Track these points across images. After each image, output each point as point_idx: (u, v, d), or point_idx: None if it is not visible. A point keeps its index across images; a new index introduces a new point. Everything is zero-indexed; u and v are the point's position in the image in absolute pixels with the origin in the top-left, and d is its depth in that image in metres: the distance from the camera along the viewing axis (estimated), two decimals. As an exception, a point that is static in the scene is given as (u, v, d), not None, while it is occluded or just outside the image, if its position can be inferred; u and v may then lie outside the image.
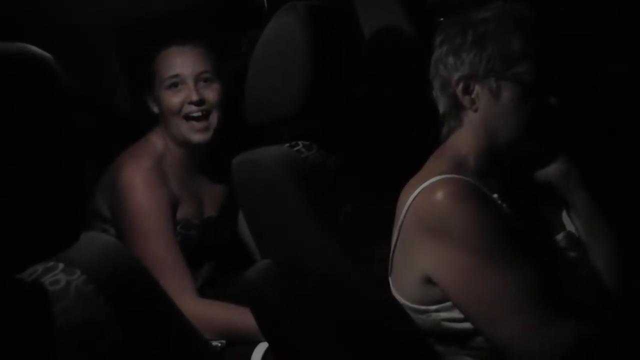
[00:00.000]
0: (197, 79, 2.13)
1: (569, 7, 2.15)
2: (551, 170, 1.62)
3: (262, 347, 1.86)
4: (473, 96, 1.52)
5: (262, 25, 1.72)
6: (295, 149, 1.63)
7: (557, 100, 1.53)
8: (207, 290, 2.18)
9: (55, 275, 0.99)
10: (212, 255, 2.27)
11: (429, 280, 1.46)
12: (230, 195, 2.27)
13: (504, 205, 1.52)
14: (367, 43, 2.03)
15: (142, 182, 2.07)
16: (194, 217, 2.20)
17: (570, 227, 1.65)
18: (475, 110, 1.53)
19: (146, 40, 2.25)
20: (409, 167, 1.58)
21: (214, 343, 1.95)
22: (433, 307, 1.48)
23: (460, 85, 1.53)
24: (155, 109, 2.18)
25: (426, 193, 1.47)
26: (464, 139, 1.56)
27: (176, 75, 2.13)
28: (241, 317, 1.87)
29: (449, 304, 1.46)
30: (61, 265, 1.00)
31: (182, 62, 2.13)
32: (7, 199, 0.86)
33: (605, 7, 2.19)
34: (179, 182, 2.17)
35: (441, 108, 1.59)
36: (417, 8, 2.17)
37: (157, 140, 2.18)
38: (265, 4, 2.58)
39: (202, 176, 2.26)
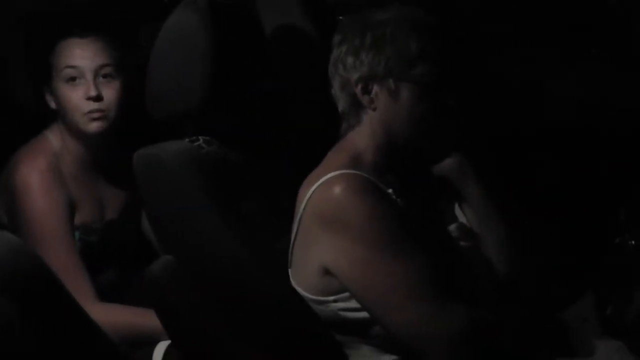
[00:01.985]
0: (97, 73, 2.02)
1: (479, 12, 2.25)
2: (445, 165, 1.69)
3: (162, 346, 1.86)
4: (372, 96, 1.56)
5: (162, 18, 1.72)
6: (196, 144, 1.64)
7: (454, 101, 1.59)
8: (112, 294, 2.10)
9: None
10: (115, 258, 2.20)
11: (327, 272, 1.51)
12: (133, 195, 2.18)
13: (399, 199, 1.57)
14: (268, 40, 2.05)
15: (37, 184, 1.98)
16: (94, 221, 2.13)
17: (462, 219, 1.72)
18: (374, 109, 1.57)
19: (44, 29, 2.14)
20: (308, 162, 1.62)
21: None
22: (331, 298, 1.52)
23: (360, 85, 1.56)
24: (53, 104, 2.08)
25: (324, 187, 1.51)
26: (362, 135, 1.59)
27: (74, 67, 2.01)
28: (144, 318, 1.85)
29: (346, 294, 1.51)
30: None
31: (81, 54, 2.02)
32: None
33: (513, 15, 2.29)
34: (78, 183, 2.09)
35: (340, 106, 1.62)
36: (316, 7, 2.21)
37: (54, 138, 2.09)
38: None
39: (103, 177, 2.17)
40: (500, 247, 1.68)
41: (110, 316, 1.88)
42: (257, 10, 2.09)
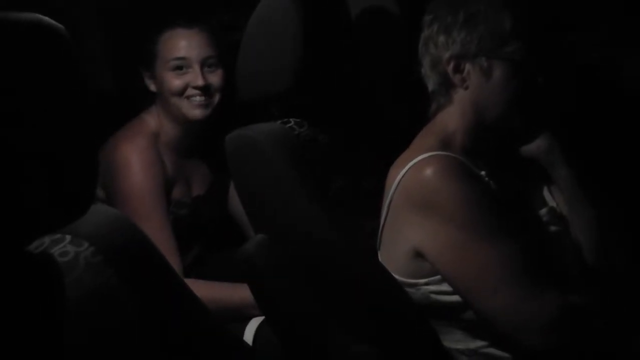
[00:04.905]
0: (203, 63, 2.12)
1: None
2: (534, 147, 1.66)
3: (255, 323, 1.89)
4: (464, 75, 1.55)
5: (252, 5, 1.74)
6: (288, 125, 1.66)
7: (545, 79, 1.57)
8: (197, 269, 2.18)
9: (63, 247, 1.00)
10: (202, 234, 2.28)
11: (418, 255, 1.50)
12: (218, 174, 2.29)
13: (491, 181, 1.56)
14: (355, 21, 2.05)
15: (137, 161, 2.07)
16: (184, 197, 2.21)
17: (552, 203, 1.69)
18: (466, 88, 1.56)
19: (145, 19, 2.23)
20: (398, 144, 1.61)
21: None
22: (422, 281, 1.52)
23: (452, 64, 1.55)
24: (153, 88, 2.17)
25: (415, 170, 1.50)
26: (452, 116, 1.59)
27: (182, 58, 2.11)
28: (230, 294, 1.89)
29: (438, 277, 1.50)
30: (68, 237, 1.01)
31: (188, 45, 2.12)
32: (18, 169, 0.87)
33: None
34: (171, 162, 2.18)
35: (430, 86, 1.61)
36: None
37: (151, 120, 2.18)
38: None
39: (192, 157, 2.26)
40: (590, 231, 1.65)
41: (198, 291, 1.92)
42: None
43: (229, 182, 2.30)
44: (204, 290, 1.96)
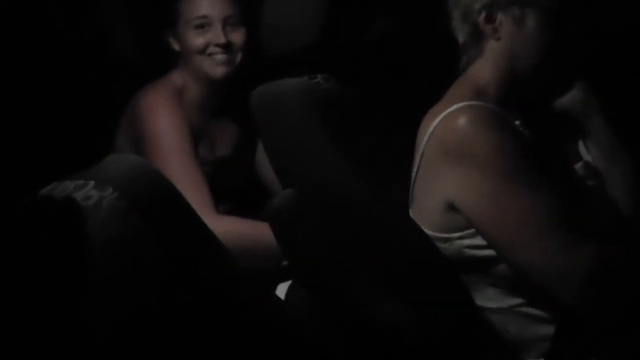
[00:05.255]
0: (225, 22, 2.14)
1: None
2: (569, 98, 1.62)
3: (284, 286, 1.87)
4: (496, 24, 1.52)
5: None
6: (314, 80, 1.63)
7: (579, 29, 1.53)
8: None
9: (87, 192, 0.99)
10: (226, 196, 2.28)
11: (451, 207, 1.47)
12: (244, 136, 2.30)
13: (526, 131, 1.52)
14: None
15: (162, 104, 2.12)
16: (209, 155, 2.23)
17: (587, 157, 1.66)
18: (498, 39, 1.53)
19: None
20: (430, 98, 1.58)
21: None
22: (456, 235, 1.49)
23: (483, 14, 1.52)
24: (177, 47, 2.20)
25: (448, 120, 1.47)
26: (484, 68, 1.55)
27: (204, 17, 2.14)
28: (263, 231, 1.86)
29: (472, 231, 1.47)
30: (92, 183, 1.00)
31: (210, 4, 2.15)
32: (39, 113, 0.86)
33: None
34: (196, 121, 2.20)
35: (461, 38, 1.58)
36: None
37: (177, 78, 2.21)
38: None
39: (217, 117, 2.28)
40: (627, 184, 1.61)
41: (230, 226, 1.97)
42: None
43: (256, 144, 2.29)
44: (241, 225, 1.99)
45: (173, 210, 1.07)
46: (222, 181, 2.25)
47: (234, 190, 2.32)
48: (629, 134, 1.66)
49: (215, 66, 2.15)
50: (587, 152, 1.67)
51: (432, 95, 1.59)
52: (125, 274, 0.98)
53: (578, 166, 1.64)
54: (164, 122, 2.10)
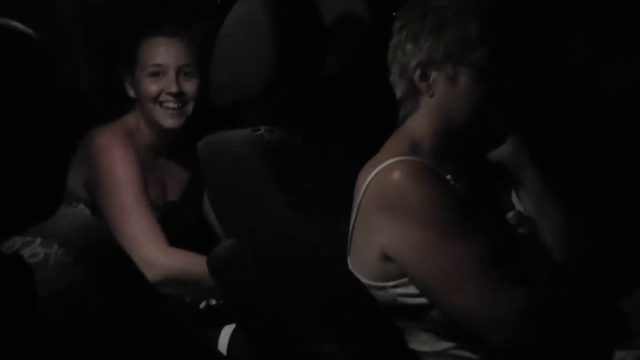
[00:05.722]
0: (179, 71, 2.19)
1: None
2: (502, 150, 1.69)
3: (228, 330, 1.91)
4: (430, 82, 1.57)
5: (215, 16, 1.77)
6: (258, 132, 1.68)
7: (511, 85, 1.59)
8: None
9: (34, 249, 1.03)
10: (175, 241, 2.30)
11: (386, 257, 1.53)
12: (193, 180, 2.32)
13: (457, 185, 1.59)
14: (327, 27, 2.08)
15: (116, 143, 2.14)
16: (157, 200, 2.25)
17: (519, 207, 1.72)
18: (432, 95, 1.58)
19: (130, 25, 2.29)
20: (368, 147, 1.64)
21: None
22: (390, 283, 1.54)
23: (418, 71, 1.57)
24: (131, 92, 2.23)
25: (383, 174, 1.53)
26: (420, 122, 1.61)
27: (159, 65, 2.19)
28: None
29: (405, 279, 1.53)
30: (39, 240, 1.04)
31: (166, 52, 2.19)
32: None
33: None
34: (148, 164, 2.22)
35: (398, 93, 1.63)
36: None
37: (130, 121, 2.24)
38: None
39: (168, 161, 2.31)
40: (557, 235, 1.68)
41: (182, 258, 2.02)
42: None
43: (203, 189, 2.32)
44: (188, 259, 2.02)
45: (116, 263, 1.11)
46: (172, 226, 2.26)
47: (183, 235, 2.33)
48: (560, 183, 1.73)
49: (167, 117, 2.18)
50: (519, 202, 1.74)
51: (375, 143, 1.65)
52: (71, 325, 1.01)
53: (510, 215, 1.70)
54: (117, 160, 2.12)
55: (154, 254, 2.00)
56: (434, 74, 1.57)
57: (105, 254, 1.11)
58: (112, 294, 1.06)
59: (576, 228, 1.70)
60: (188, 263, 2.03)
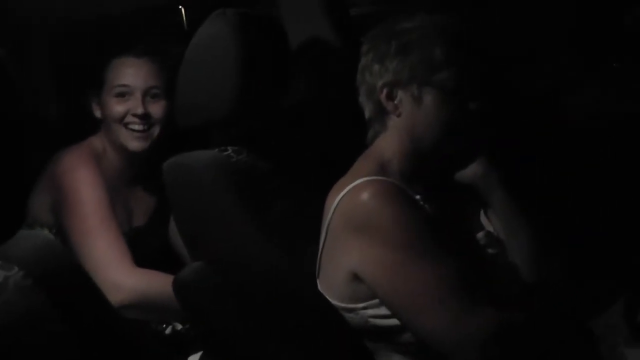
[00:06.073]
0: (146, 93, 2.16)
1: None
2: (470, 171, 1.69)
3: (194, 358, 1.88)
4: (396, 102, 1.59)
5: (183, 42, 1.76)
6: (225, 153, 1.66)
7: (477, 106, 1.60)
8: None
9: (-7, 272, 1.00)
10: (140, 265, 2.26)
11: (355, 278, 1.51)
12: (159, 204, 2.29)
13: (426, 205, 1.58)
14: (294, 51, 2.08)
15: (82, 165, 2.10)
16: (123, 225, 2.20)
17: (488, 227, 1.72)
18: (399, 115, 1.59)
19: (103, 46, 2.26)
20: (337, 169, 1.63)
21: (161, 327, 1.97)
22: (361, 305, 1.53)
23: (385, 92, 1.59)
24: (98, 114, 2.20)
25: (352, 194, 1.52)
26: (388, 142, 1.62)
27: (126, 85, 2.15)
28: None
29: (376, 301, 1.51)
30: None
31: (134, 73, 2.16)
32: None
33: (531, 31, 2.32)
34: (113, 189, 2.18)
35: (367, 113, 1.65)
36: (341, 19, 2.24)
37: (96, 143, 2.20)
38: (185, 22, 2.63)
39: (134, 185, 2.28)
40: (527, 254, 1.67)
41: (148, 279, 1.98)
42: (282, 22, 2.13)
43: (169, 214, 2.29)
44: (154, 279, 1.99)
45: (78, 287, 1.08)
46: (138, 252, 2.20)
47: (149, 261, 2.29)
48: (528, 204, 1.73)
49: (132, 139, 2.15)
50: (488, 222, 1.74)
51: (343, 165, 1.64)
52: (31, 351, 0.98)
53: (480, 235, 1.70)
54: (82, 181, 2.08)
55: (120, 275, 1.96)
56: (400, 94, 1.58)
57: (66, 278, 1.08)
58: (72, 319, 1.03)
59: (544, 248, 1.69)
60: (155, 283, 1.99)
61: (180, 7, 2.77)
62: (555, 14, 2.40)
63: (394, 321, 1.51)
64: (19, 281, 0.99)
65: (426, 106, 1.57)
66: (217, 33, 1.65)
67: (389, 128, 1.61)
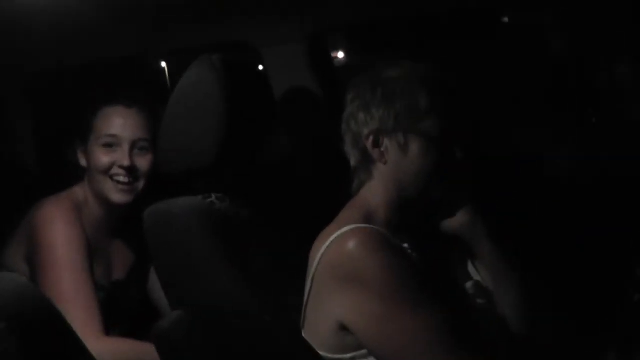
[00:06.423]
0: (134, 145, 2.09)
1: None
2: (457, 221, 1.67)
3: None
4: (382, 149, 1.57)
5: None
6: (209, 200, 1.63)
7: (462, 154, 1.59)
8: None
9: (-37, 314, 0.95)
10: (120, 319, 2.20)
11: (343, 328, 1.48)
12: (139, 257, 2.24)
13: (414, 254, 1.56)
14: (278, 99, 2.07)
15: (61, 217, 2.03)
16: (102, 279, 2.15)
17: (476, 277, 1.69)
18: (385, 163, 1.58)
19: (91, 94, 2.22)
20: (319, 221, 1.61)
21: None
22: (348, 356, 1.49)
23: (371, 139, 1.58)
24: (83, 162, 2.14)
25: (338, 242, 1.49)
26: (374, 191, 1.60)
27: (114, 136, 2.08)
28: (146, 350, 1.79)
29: (364, 351, 1.48)
30: None
31: (122, 124, 2.09)
32: None
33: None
34: (94, 240, 2.12)
35: (352, 162, 1.63)
36: (324, 69, 2.24)
37: (78, 193, 2.14)
38: (169, 83, 2.62)
39: (114, 237, 2.22)
40: (515, 306, 1.64)
41: (116, 349, 1.89)
42: (266, 71, 2.12)
43: (149, 267, 2.24)
44: (125, 348, 1.91)
45: (53, 333, 1.04)
46: (117, 305, 2.17)
47: (127, 314, 2.23)
48: (516, 255, 1.71)
49: (116, 192, 2.08)
50: (476, 271, 1.71)
51: (328, 216, 1.62)
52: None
53: (468, 285, 1.67)
54: (60, 235, 2.01)
55: (87, 343, 1.88)
56: (386, 142, 1.57)
57: (41, 323, 1.03)
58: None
59: (533, 302, 1.66)
60: (122, 351, 1.93)
61: (162, 63, 2.78)
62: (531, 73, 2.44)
63: (383, 372, 1.46)
64: (-10, 325, 0.95)
65: (412, 154, 1.56)
66: (202, 78, 1.64)
67: (375, 176, 1.60)
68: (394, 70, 1.61)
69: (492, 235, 1.67)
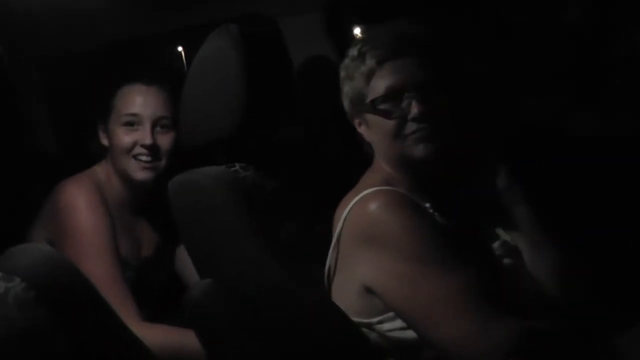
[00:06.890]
0: (155, 123, 2.07)
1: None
2: (492, 184, 1.64)
3: None
4: (360, 129, 1.62)
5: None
6: (232, 169, 1.62)
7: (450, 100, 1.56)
8: None
9: (-7, 281, 0.95)
10: (148, 296, 2.18)
11: (368, 291, 1.47)
12: (165, 235, 2.23)
13: (436, 213, 1.54)
14: (299, 67, 2.06)
15: (84, 200, 2.01)
16: (131, 258, 2.14)
17: (505, 236, 1.67)
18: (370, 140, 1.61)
19: (113, 71, 2.21)
20: (346, 186, 1.60)
21: None
22: (375, 319, 1.48)
23: (354, 120, 1.63)
24: (105, 142, 2.13)
25: (360, 205, 1.49)
26: (382, 159, 1.61)
27: (135, 114, 2.06)
28: (189, 339, 1.77)
29: (391, 314, 1.47)
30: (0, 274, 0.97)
31: (143, 102, 2.07)
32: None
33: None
34: (119, 218, 2.11)
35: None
36: (343, 40, 2.22)
37: (100, 172, 2.13)
38: (185, 66, 2.60)
39: (139, 215, 2.21)
40: (551, 269, 1.61)
41: (153, 334, 1.83)
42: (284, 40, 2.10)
43: (177, 245, 2.24)
44: (164, 334, 1.89)
45: (85, 303, 1.03)
46: (145, 284, 2.16)
47: (157, 291, 2.22)
48: (552, 217, 1.68)
49: (138, 170, 2.06)
50: (504, 232, 1.69)
51: (351, 182, 1.61)
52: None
53: (496, 245, 1.65)
54: (85, 219, 1.98)
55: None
56: (356, 122, 1.62)
57: (73, 294, 1.03)
58: (78, 340, 0.98)
59: (569, 264, 1.63)
60: (166, 337, 1.89)
61: (179, 47, 2.75)
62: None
63: (412, 334, 1.45)
64: (19, 294, 0.94)
65: (374, 127, 1.57)
66: (221, 49, 1.62)
67: (374, 148, 1.62)
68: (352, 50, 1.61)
69: (530, 201, 1.65)
